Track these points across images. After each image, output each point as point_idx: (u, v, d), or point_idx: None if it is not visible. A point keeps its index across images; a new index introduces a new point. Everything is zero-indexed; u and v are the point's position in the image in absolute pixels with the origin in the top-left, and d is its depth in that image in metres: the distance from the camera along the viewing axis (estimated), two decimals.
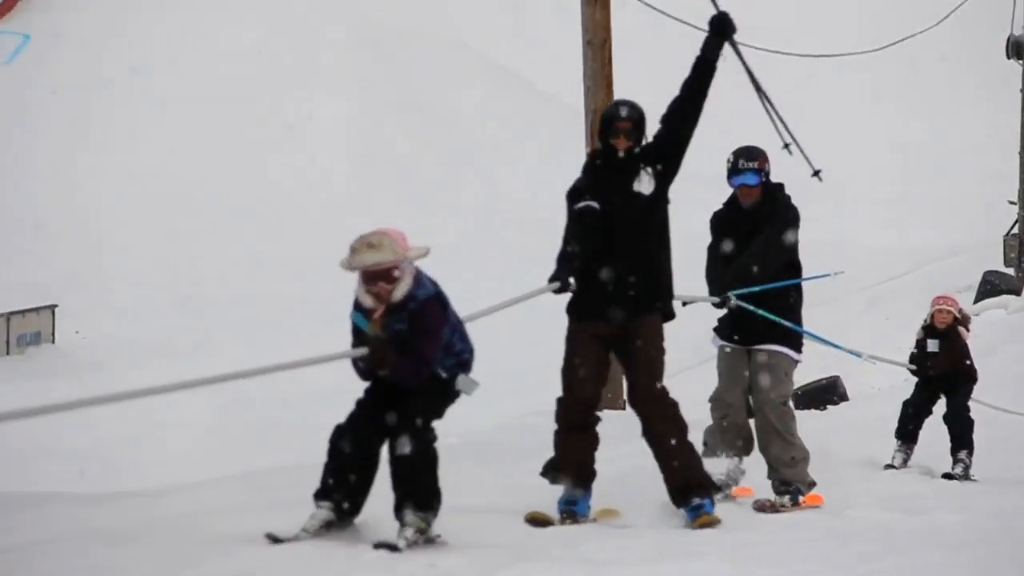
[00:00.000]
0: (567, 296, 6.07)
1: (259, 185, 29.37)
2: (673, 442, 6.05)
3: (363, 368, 5.19)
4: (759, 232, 7.03)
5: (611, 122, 6.13)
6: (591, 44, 11.97)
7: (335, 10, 35.24)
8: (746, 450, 7.03)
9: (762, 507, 6.84)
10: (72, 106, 30.83)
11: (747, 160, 7.05)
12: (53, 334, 20.95)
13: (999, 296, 20.76)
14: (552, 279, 5.98)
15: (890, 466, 9.67)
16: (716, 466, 6.77)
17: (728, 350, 7.18)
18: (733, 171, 7.07)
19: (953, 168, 35.79)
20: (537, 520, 5.87)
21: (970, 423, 9.77)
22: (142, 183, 28.76)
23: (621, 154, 6.07)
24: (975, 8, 26.25)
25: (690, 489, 6.04)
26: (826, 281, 8.59)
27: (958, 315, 10.10)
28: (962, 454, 9.64)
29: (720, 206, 7.32)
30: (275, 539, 5.06)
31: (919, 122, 37.85)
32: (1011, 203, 24.87)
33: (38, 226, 26.40)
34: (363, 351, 5.09)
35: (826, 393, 15.57)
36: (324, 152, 31.34)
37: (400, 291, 5.12)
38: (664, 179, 6.07)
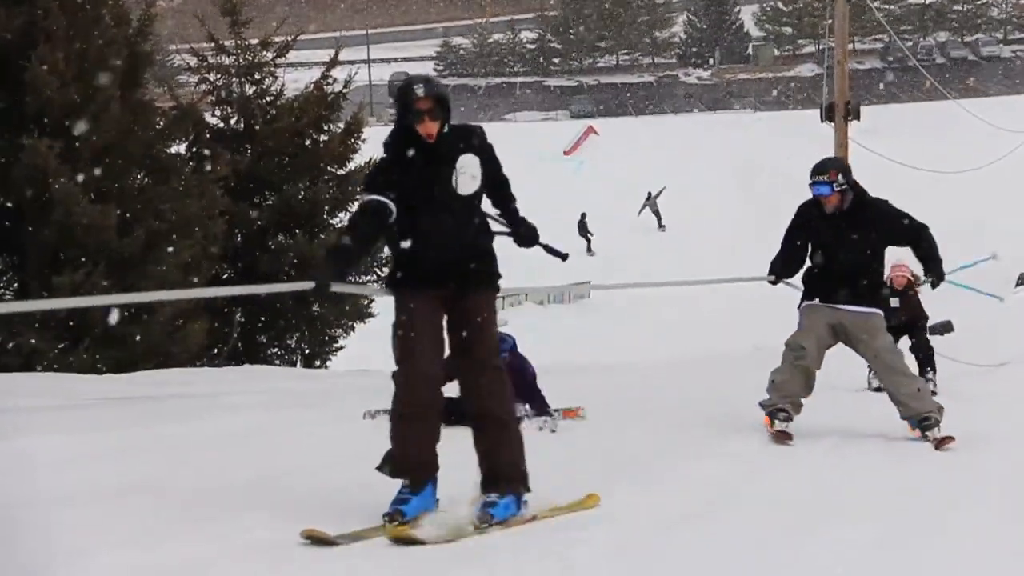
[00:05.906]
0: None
1: None
2: None
3: None
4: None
5: None
6: None
7: None
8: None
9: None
10: None
11: (819, 174, 7.64)
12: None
13: None
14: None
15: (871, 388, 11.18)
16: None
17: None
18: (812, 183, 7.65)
19: None
20: None
21: (931, 351, 11.96)
22: None
23: None
24: None
25: None
26: None
27: (911, 277, 12.23)
28: (929, 373, 11.70)
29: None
30: None
31: None
32: None
33: None
34: None
35: None
36: None
37: None
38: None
